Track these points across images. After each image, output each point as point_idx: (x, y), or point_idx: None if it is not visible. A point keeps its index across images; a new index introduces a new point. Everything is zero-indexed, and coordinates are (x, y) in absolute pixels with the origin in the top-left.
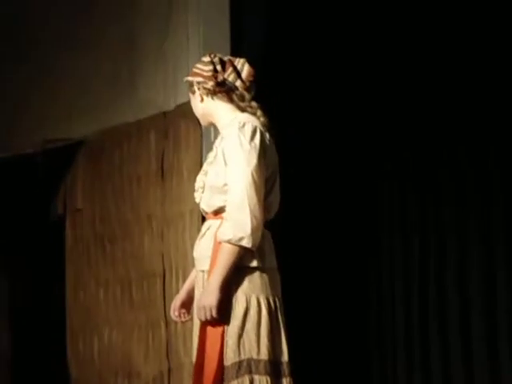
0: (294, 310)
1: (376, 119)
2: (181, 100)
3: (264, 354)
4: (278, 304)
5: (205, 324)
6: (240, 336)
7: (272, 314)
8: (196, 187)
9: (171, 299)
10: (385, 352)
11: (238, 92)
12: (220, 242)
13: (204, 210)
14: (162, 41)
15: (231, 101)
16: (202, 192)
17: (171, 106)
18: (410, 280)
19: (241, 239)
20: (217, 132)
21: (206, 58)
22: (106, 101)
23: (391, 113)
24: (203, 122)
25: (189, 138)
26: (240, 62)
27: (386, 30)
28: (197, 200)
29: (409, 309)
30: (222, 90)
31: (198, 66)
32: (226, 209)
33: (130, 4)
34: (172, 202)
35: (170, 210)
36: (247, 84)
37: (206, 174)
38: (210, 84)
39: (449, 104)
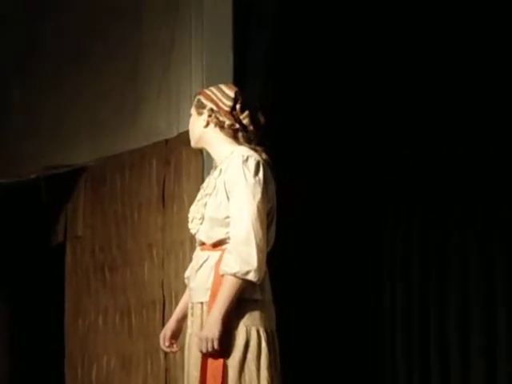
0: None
1: (376, 125)
2: (183, 128)
3: None
4: (275, 337)
5: (206, 356)
6: (241, 368)
7: (270, 347)
8: (190, 218)
9: None
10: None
11: (245, 134)
12: (222, 275)
13: (201, 241)
14: (165, 69)
15: (235, 138)
16: (201, 223)
17: (174, 133)
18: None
19: (247, 273)
20: None
21: (230, 93)
22: (108, 128)
23: (391, 115)
24: (194, 143)
25: (190, 165)
26: (258, 110)
27: (386, 29)
28: (192, 231)
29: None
30: (232, 128)
31: (218, 94)
32: (230, 241)
33: (133, 32)
34: (172, 230)
35: (170, 237)
36: (258, 131)
37: (204, 205)
38: (223, 118)
39: (451, 109)
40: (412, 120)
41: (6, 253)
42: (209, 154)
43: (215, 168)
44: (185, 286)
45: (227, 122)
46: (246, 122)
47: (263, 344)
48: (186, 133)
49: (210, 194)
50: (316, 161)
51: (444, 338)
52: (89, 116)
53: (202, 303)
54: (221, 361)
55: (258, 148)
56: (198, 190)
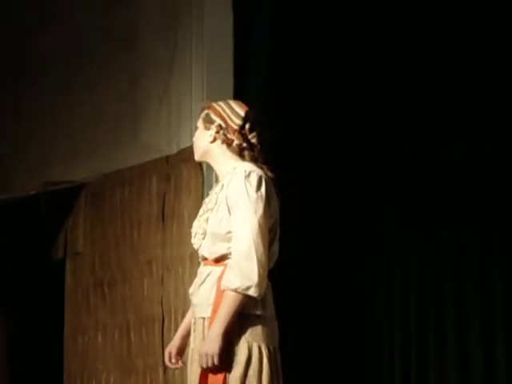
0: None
1: (376, 126)
2: (183, 144)
3: None
4: (277, 353)
5: (206, 371)
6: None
7: (272, 364)
8: (193, 233)
9: None
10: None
11: (251, 153)
12: (223, 290)
13: (204, 257)
14: (164, 85)
15: (241, 156)
16: (203, 238)
17: (174, 149)
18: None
19: (248, 288)
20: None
21: (241, 111)
22: (108, 144)
23: (389, 116)
24: (199, 157)
25: (190, 182)
26: (265, 128)
27: (385, 30)
28: (195, 246)
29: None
30: (240, 147)
31: (227, 110)
32: (232, 257)
33: (132, 48)
34: (172, 246)
35: (170, 254)
36: (264, 150)
37: (206, 220)
38: (231, 136)
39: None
40: (411, 120)
41: (5, 269)
42: (209, 171)
43: (217, 183)
44: (184, 303)
45: (236, 142)
46: (253, 141)
47: (265, 360)
48: (187, 149)
49: (212, 209)
50: (315, 163)
51: (442, 339)
52: (88, 132)
53: (203, 318)
54: (221, 376)
55: (264, 166)
56: (198, 206)
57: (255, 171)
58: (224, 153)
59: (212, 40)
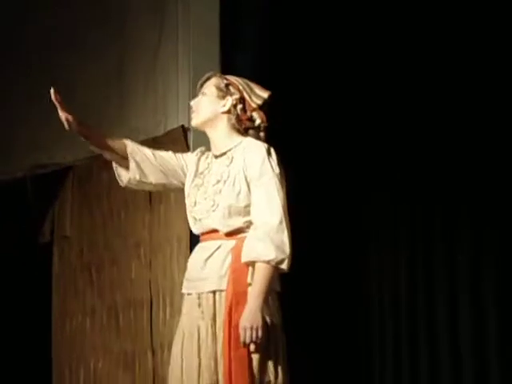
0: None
1: (375, 125)
2: (171, 126)
3: (280, 379)
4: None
5: (246, 346)
6: (265, 357)
7: (284, 339)
8: (192, 202)
9: (158, 327)
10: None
11: (255, 133)
12: (249, 262)
13: (211, 229)
14: (151, 68)
15: (245, 133)
16: (213, 210)
17: (161, 132)
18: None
19: (282, 261)
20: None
21: (263, 93)
22: (95, 126)
23: (388, 114)
24: (200, 123)
25: None
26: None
27: (381, 27)
28: (197, 216)
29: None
30: (250, 125)
31: (247, 89)
32: (260, 229)
33: (118, 32)
34: (160, 229)
35: (157, 235)
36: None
37: (219, 192)
38: (248, 113)
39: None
40: (411, 120)
41: None
42: (195, 151)
43: (215, 155)
44: (172, 285)
45: (249, 118)
46: (263, 125)
47: (281, 335)
48: (174, 131)
49: (225, 182)
50: (309, 156)
51: (438, 339)
52: (75, 116)
53: (214, 292)
54: (245, 350)
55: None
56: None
57: (271, 147)
58: (230, 126)
59: (198, 23)
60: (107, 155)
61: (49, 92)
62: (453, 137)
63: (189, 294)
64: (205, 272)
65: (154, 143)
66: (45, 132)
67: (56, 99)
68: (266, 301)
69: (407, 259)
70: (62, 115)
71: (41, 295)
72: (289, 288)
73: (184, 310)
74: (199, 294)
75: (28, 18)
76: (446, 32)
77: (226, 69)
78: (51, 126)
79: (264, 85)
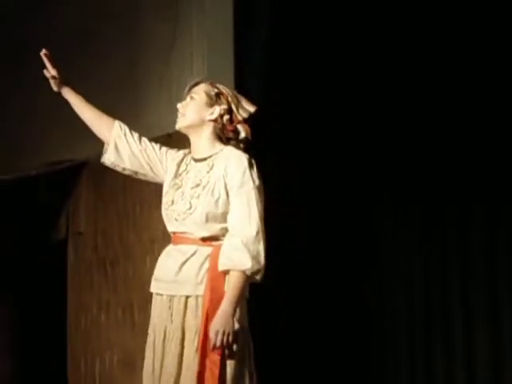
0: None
1: (375, 125)
2: None
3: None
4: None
5: (215, 350)
6: (237, 365)
7: (251, 343)
8: (169, 201)
9: None
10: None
11: (236, 144)
12: (225, 271)
13: (183, 232)
14: (165, 64)
15: (227, 142)
16: (190, 214)
17: (174, 129)
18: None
19: (258, 271)
20: None
21: (250, 108)
22: None
23: (388, 113)
24: (184, 125)
25: None
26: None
27: (381, 28)
28: (175, 216)
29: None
30: (233, 136)
31: (236, 101)
32: (237, 239)
33: (133, 27)
34: None
35: None
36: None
37: (197, 197)
38: (234, 124)
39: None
40: (410, 119)
41: (6, 250)
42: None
43: (194, 158)
44: None
45: (234, 130)
46: (246, 136)
47: (250, 341)
48: None
49: (204, 187)
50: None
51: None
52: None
53: (187, 297)
54: (219, 354)
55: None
56: None
57: (252, 159)
58: (214, 134)
59: (213, 18)
60: (88, 123)
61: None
62: (468, 136)
63: (158, 294)
64: (180, 276)
65: (170, 140)
66: (58, 128)
67: (45, 55)
68: (237, 307)
69: (422, 260)
70: (47, 73)
71: (56, 291)
72: (300, 290)
73: (153, 311)
74: (171, 297)
75: (39, 14)
76: (446, 32)
77: (240, 66)
78: (64, 121)
79: (278, 81)
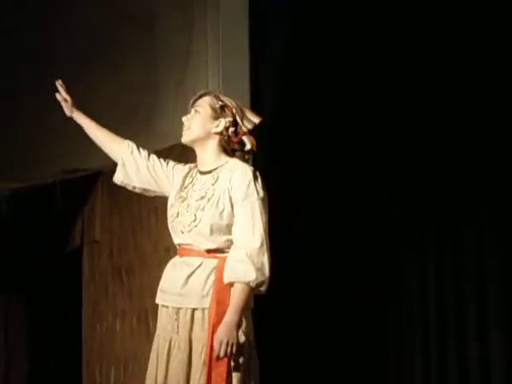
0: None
1: (376, 124)
2: None
3: None
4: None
5: (219, 359)
6: (243, 377)
7: (255, 354)
8: (174, 213)
9: None
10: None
11: (241, 155)
12: (230, 284)
13: (192, 244)
14: (181, 71)
15: (232, 154)
16: (195, 226)
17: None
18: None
19: (262, 283)
20: None
21: (254, 119)
22: (124, 131)
23: (389, 113)
24: (190, 139)
25: None
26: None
27: (384, 26)
28: (181, 228)
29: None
30: (238, 148)
31: (240, 113)
32: (242, 251)
33: (148, 35)
34: None
35: None
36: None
37: (202, 209)
38: (239, 136)
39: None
40: (410, 118)
41: (22, 258)
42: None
43: (200, 171)
44: None
45: (239, 142)
46: (251, 148)
47: (253, 351)
48: None
49: (209, 200)
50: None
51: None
52: (103, 120)
53: (194, 309)
54: (225, 366)
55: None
56: None
57: (257, 171)
58: (219, 147)
59: (228, 26)
60: (99, 144)
61: (76, 96)
62: (477, 134)
63: (164, 306)
64: (186, 289)
65: (184, 149)
66: (74, 136)
67: (60, 85)
68: (241, 318)
69: (435, 259)
70: (59, 96)
71: (72, 299)
72: (299, 287)
73: (159, 322)
74: (177, 309)
75: (56, 20)
76: (446, 32)
77: (256, 73)
78: (80, 130)
79: (293, 84)
